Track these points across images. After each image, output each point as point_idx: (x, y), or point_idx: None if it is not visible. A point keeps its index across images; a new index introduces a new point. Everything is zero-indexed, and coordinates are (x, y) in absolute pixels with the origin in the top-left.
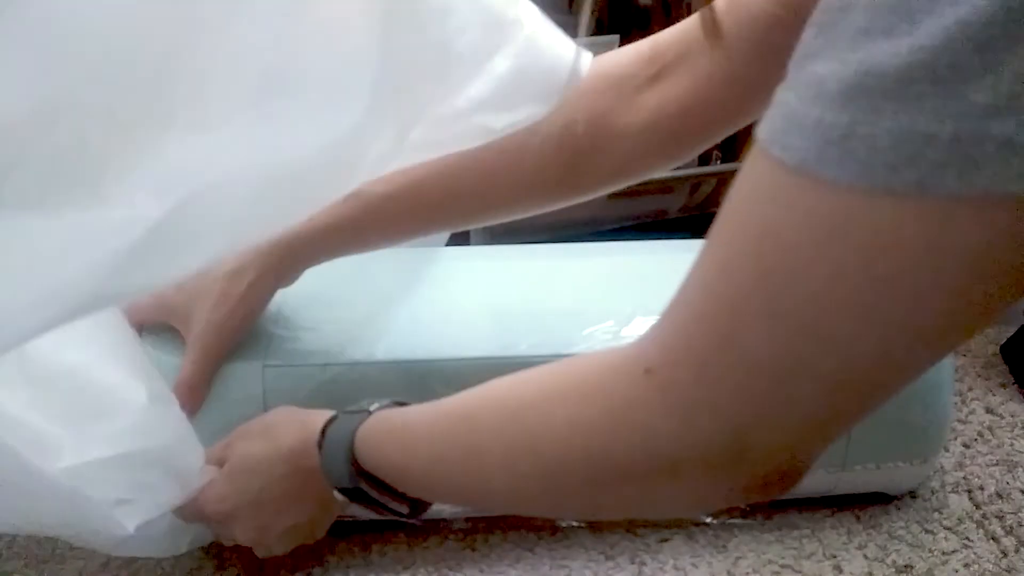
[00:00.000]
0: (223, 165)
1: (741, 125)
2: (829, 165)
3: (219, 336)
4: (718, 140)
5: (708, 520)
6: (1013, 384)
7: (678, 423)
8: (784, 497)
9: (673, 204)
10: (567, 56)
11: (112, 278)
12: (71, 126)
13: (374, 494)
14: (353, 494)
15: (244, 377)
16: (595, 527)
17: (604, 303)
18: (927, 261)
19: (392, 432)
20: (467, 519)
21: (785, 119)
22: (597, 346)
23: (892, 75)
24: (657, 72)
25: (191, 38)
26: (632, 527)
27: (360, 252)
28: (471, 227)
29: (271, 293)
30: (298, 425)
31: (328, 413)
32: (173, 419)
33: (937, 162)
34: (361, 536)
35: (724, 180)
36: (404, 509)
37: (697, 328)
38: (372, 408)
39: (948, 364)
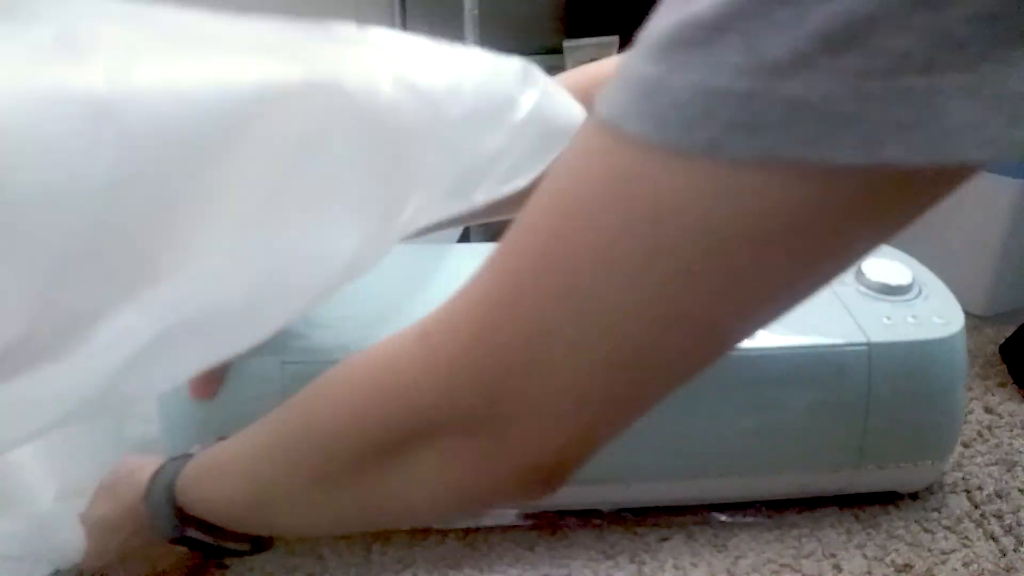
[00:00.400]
0: (210, 297)
1: None
2: (632, 119)
3: None
4: None
5: (723, 519)
6: (1012, 384)
7: (441, 381)
8: (787, 496)
9: None
10: (575, 114)
11: (101, 392)
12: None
13: (208, 540)
14: (187, 543)
15: (262, 373)
16: (595, 526)
17: None
18: (706, 232)
19: (209, 468)
20: None
21: (617, 76)
22: None
23: (704, 23)
24: None
25: (173, 195)
26: (631, 526)
27: None
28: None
29: None
30: (134, 480)
31: (158, 462)
32: (71, 517)
33: (729, 121)
34: (361, 535)
35: None
36: (245, 547)
37: (478, 290)
38: (194, 450)
39: (961, 363)
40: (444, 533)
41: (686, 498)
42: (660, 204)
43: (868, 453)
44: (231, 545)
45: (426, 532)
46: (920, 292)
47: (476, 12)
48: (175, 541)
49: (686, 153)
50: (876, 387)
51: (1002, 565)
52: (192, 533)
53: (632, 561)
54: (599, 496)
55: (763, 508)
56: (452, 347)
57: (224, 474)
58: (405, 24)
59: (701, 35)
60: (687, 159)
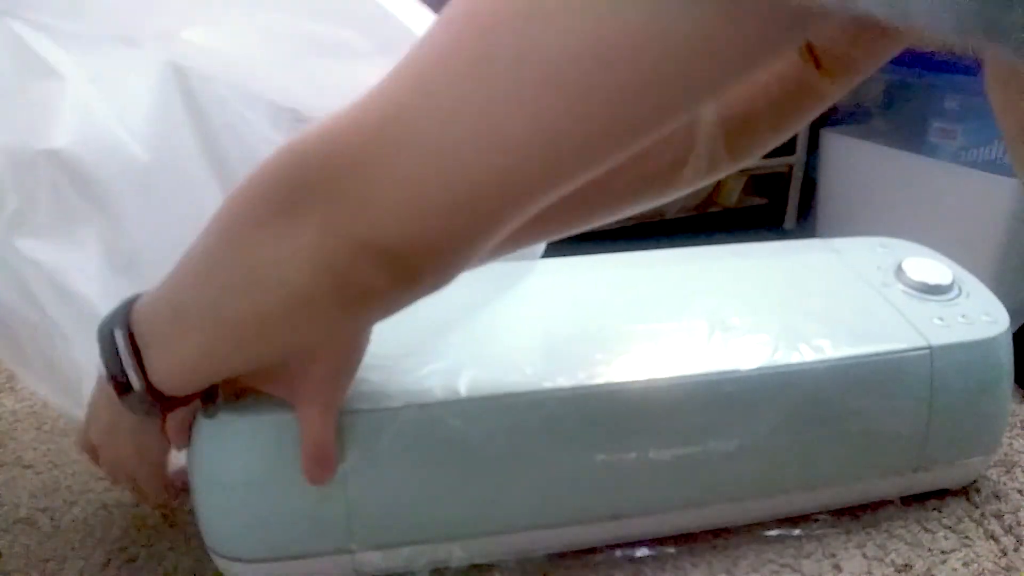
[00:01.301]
0: None
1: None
2: None
3: (340, 384)
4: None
5: (795, 533)
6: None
7: (326, 146)
8: (851, 505)
9: (672, 205)
10: None
11: None
12: None
13: (125, 350)
14: (109, 357)
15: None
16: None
17: (684, 318)
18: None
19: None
20: None
21: None
22: (679, 371)
23: None
24: None
25: None
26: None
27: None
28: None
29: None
30: None
31: None
32: None
33: None
34: None
35: (724, 180)
36: (140, 382)
37: (390, 77)
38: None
39: (1010, 357)
40: None
41: (748, 519)
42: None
43: (929, 454)
44: (133, 375)
45: None
46: (961, 290)
47: None
48: (107, 364)
49: None
50: (938, 389)
51: (1002, 565)
52: (117, 334)
53: (632, 561)
54: (658, 526)
55: (828, 519)
56: (344, 117)
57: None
58: None
59: None
60: None
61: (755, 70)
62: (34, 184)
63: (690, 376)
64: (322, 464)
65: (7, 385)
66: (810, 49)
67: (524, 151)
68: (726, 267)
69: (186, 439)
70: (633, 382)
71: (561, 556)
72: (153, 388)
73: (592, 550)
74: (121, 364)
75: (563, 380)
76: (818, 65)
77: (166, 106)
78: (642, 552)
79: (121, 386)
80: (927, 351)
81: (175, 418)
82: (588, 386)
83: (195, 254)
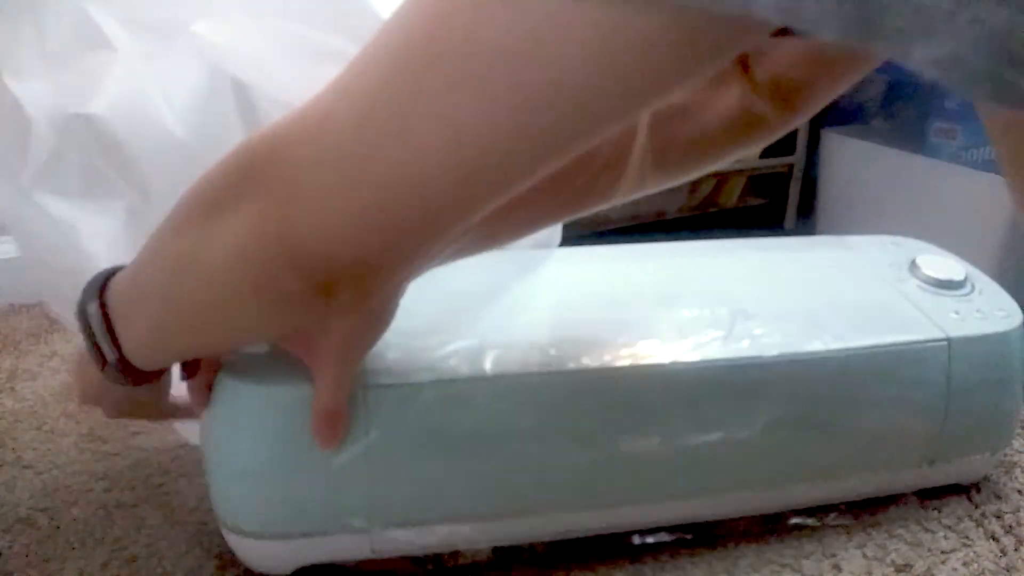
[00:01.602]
0: None
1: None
2: None
3: (355, 354)
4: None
5: (813, 522)
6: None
7: (257, 143)
8: (866, 497)
9: (672, 204)
10: None
11: None
12: None
13: (98, 324)
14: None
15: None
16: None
17: (707, 308)
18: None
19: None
20: None
21: None
22: (702, 355)
23: None
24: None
25: None
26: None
27: (494, 245)
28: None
29: (402, 294)
30: None
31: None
32: None
33: None
34: None
35: (723, 180)
36: (113, 354)
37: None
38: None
39: (1021, 351)
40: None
41: (763, 508)
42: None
43: (945, 448)
44: (107, 348)
45: None
46: (974, 287)
47: None
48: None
49: None
50: (955, 381)
51: (1002, 565)
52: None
53: (632, 561)
54: (677, 512)
55: (845, 509)
56: (289, 117)
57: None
58: None
59: None
60: None
61: (689, 81)
62: (64, 144)
63: (713, 360)
64: (331, 429)
65: (7, 385)
66: (746, 68)
67: (441, 161)
68: (744, 259)
69: (206, 400)
70: (656, 365)
71: (561, 557)
72: (126, 361)
73: (592, 550)
74: (95, 337)
75: (588, 361)
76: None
77: (213, 92)
78: (648, 539)
79: (98, 358)
80: (945, 343)
81: (197, 380)
82: (612, 368)
83: (157, 234)
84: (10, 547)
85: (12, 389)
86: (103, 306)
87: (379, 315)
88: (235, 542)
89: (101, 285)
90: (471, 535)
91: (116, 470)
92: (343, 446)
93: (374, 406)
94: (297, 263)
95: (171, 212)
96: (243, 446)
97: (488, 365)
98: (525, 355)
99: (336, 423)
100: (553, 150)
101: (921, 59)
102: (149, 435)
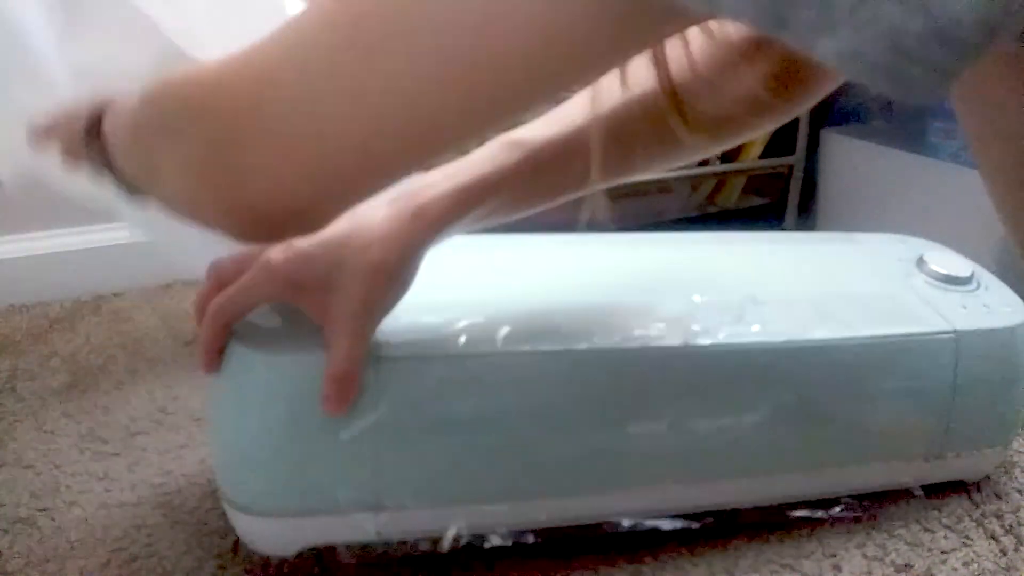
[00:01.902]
0: None
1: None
2: None
3: (372, 317)
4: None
5: (821, 514)
6: None
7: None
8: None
9: (673, 204)
10: None
11: None
12: None
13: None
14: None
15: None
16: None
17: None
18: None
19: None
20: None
21: None
22: (711, 339)
23: None
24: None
25: None
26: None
27: (517, 212)
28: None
29: (422, 259)
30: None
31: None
32: None
33: None
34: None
35: (724, 180)
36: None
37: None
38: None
39: None
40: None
41: (768, 498)
42: None
43: (950, 441)
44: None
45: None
46: (980, 283)
47: None
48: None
49: None
50: (962, 374)
51: (1002, 565)
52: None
53: (632, 561)
54: (680, 498)
55: (852, 502)
56: (210, 65)
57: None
58: None
59: None
60: None
61: (623, 59)
62: None
63: (722, 344)
64: (342, 393)
65: (7, 385)
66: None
67: (380, 118)
68: (753, 250)
69: (218, 364)
70: (667, 347)
71: (561, 556)
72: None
73: (593, 550)
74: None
75: (599, 341)
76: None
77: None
78: (648, 523)
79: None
80: (952, 335)
81: (208, 331)
82: (623, 348)
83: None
84: (10, 547)
85: (12, 389)
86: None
87: (398, 279)
88: (237, 519)
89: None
90: (477, 517)
91: (116, 470)
92: (351, 419)
93: (384, 379)
94: (234, 207)
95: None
96: (249, 417)
97: (499, 342)
98: (536, 333)
99: (348, 388)
100: (494, 118)
101: (824, 52)
102: (149, 435)
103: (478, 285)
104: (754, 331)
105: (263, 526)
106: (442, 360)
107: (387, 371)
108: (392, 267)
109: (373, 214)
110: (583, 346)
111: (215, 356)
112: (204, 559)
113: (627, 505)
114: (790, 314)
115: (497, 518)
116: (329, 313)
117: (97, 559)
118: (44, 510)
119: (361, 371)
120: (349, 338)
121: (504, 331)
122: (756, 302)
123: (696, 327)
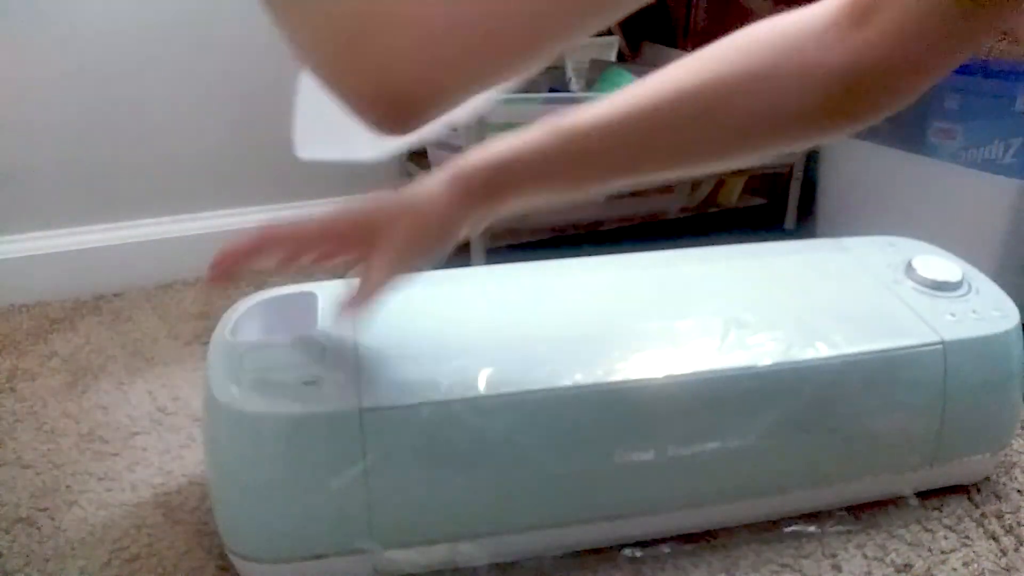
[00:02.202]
0: None
1: (913, 91)
2: None
3: (408, 258)
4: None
5: (814, 529)
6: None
7: None
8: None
9: (673, 204)
10: None
11: None
12: None
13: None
14: None
15: (339, 425)
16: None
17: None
18: None
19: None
20: None
21: None
22: (696, 367)
23: None
24: (860, 17)
25: None
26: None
27: (567, 191)
28: (693, 171)
29: (468, 222)
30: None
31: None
32: None
33: None
34: None
35: (724, 180)
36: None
37: None
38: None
39: (1021, 353)
40: None
41: (762, 516)
42: None
43: (943, 449)
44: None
45: None
46: (971, 287)
47: None
48: None
49: None
50: (951, 384)
51: (1002, 565)
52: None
53: (632, 561)
54: (676, 524)
55: (845, 514)
56: None
57: None
58: None
59: None
60: None
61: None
62: None
63: (707, 372)
64: (358, 308)
65: (7, 385)
66: None
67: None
68: (738, 266)
69: (222, 279)
70: (650, 379)
71: (560, 557)
72: None
73: (593, 551)
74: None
75: (581, 377)
76: None
77: None
78: (645, 551)
79: None
80: (940, 346)
81: (246, 242)
82: (606, 383)
83: None
84: (10, 547)
85: (12, 389)
86: None
87: (437, 234)
88: (242, 567)
89: None
90: (471, 552)
91: (116, 470)
92: (340, 469)
93: (370, 428)
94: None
95: None
96: (245, 471)
97: (482, 385)
98: (519, 373)
99: (365, 306)
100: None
101: None
102: (149, 435)
103: (459, 322)
104: (738, 357)
105: (266, 572)
106: (425, 407)
107: (372, 421)
108: (435, 221)
109: (428, 183)
110: (565, 384)
111: (228, 270)
112: (204, 559)
113: (620, 533)
114: (774, 336)
115: (489, 551)
116: (375, 245)
117: (97, 559)
118: (44, 510)
119: (344, 427)
120: (383, 270)
121: (486, 373)
122: (740, 324)
123: (679, 356)
